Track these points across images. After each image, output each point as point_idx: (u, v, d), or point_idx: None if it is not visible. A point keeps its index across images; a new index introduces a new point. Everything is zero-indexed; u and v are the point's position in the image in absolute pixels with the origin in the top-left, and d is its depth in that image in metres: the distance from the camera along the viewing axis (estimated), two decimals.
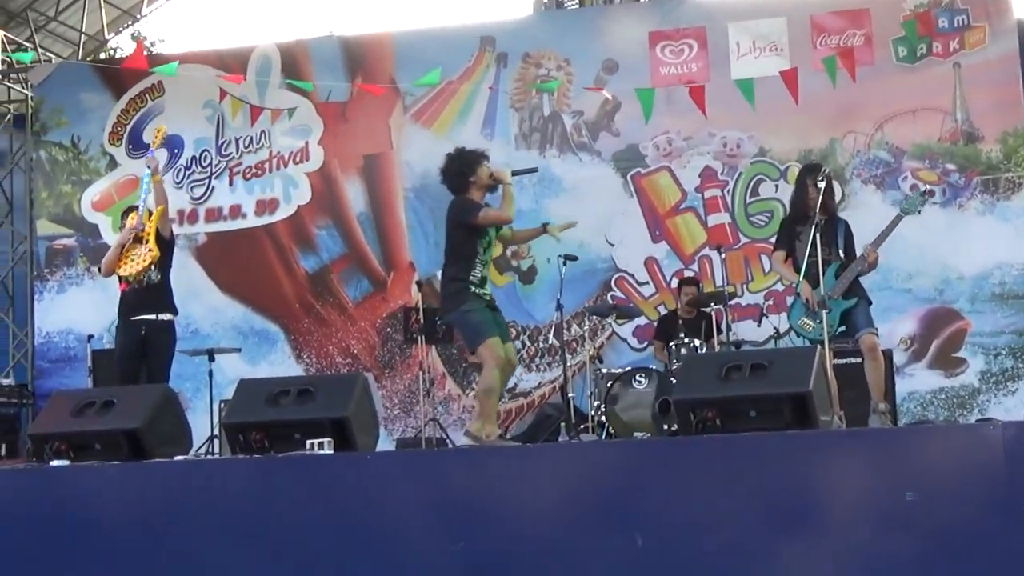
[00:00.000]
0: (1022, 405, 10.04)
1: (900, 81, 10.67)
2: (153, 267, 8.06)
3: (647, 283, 11.04)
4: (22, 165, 13.24)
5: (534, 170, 8.71)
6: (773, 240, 8.10)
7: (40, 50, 13.45)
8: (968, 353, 10.34)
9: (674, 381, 7.85)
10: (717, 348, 9.00)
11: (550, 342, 11.01)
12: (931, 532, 4.41)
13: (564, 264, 8.89)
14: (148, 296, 8.09)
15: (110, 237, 11.32)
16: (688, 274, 10.57)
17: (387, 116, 11.71)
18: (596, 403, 9.12)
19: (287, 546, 5.01)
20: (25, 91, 13.23)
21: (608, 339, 11.00)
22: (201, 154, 12.08)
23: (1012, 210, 10.40)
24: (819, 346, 6.48)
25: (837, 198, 8.75)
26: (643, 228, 11.10)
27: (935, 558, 4.40)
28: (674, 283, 10.51)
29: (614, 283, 11.06)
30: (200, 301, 11.69)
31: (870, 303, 7.47)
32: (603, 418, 8.95)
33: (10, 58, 13.13)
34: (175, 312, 8.28)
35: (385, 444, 9.03)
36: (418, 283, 10.30)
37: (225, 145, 12.03)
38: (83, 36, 14.04)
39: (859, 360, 7.51)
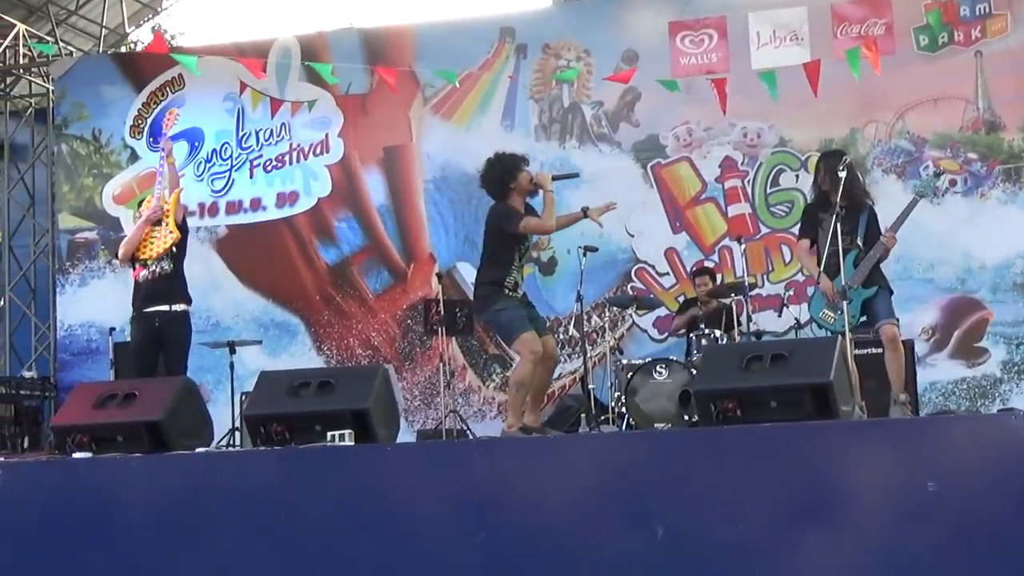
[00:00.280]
0: None
1: (921, 70, 10.60)
2: (169, 253, 7.93)
3: (667, 274, 11.03)
4: (44, 159, 13.31)
5: (575, 175, 8.74)
6: (793, 230, 8.06)
7: (61, 44, 13.50)
8: (990, 343, 10.27)
9: (694, 372, 7.82)
10: (737, 339, 8.98)
11: (570, 333, 11.01)
12: (953, 522, 4.38)
13: (584, 255, 8.86)
14: (161, 287, 7.94)
15: (131, 230, 11.35)
16: (708, 264, 10.48)
17: (407, 108, 11.72)
18: (616, 394, 9.11)
19: (308, 537, 5.02)
20: (46, 85, 13.29)
21: (628, 330, 10.99)
22: (222, 147, 12.12)
23: None
24: (840, 336, 6.44)
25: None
26: (663, 219, 11.08)
27: (957, 548, 4.38)
28: None
29: (634, 274, 11.05)
30: (221, 293, 11.76)
31: (891, 292, 7.39)
32: (623, 409, 8.93)
33: (31, 51, 13.19)
34: (189, 302, 8.13)
35: (406, 436, 9.04)
36: (438, 275, 10.26)
37: (245, 138, 12.07)
38: (103, 30, 14.11)
39: (880, 350, 7.45)
